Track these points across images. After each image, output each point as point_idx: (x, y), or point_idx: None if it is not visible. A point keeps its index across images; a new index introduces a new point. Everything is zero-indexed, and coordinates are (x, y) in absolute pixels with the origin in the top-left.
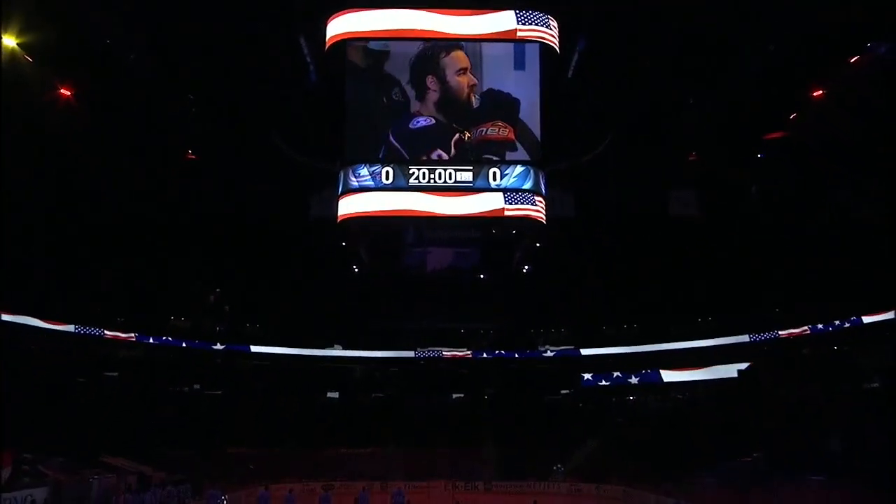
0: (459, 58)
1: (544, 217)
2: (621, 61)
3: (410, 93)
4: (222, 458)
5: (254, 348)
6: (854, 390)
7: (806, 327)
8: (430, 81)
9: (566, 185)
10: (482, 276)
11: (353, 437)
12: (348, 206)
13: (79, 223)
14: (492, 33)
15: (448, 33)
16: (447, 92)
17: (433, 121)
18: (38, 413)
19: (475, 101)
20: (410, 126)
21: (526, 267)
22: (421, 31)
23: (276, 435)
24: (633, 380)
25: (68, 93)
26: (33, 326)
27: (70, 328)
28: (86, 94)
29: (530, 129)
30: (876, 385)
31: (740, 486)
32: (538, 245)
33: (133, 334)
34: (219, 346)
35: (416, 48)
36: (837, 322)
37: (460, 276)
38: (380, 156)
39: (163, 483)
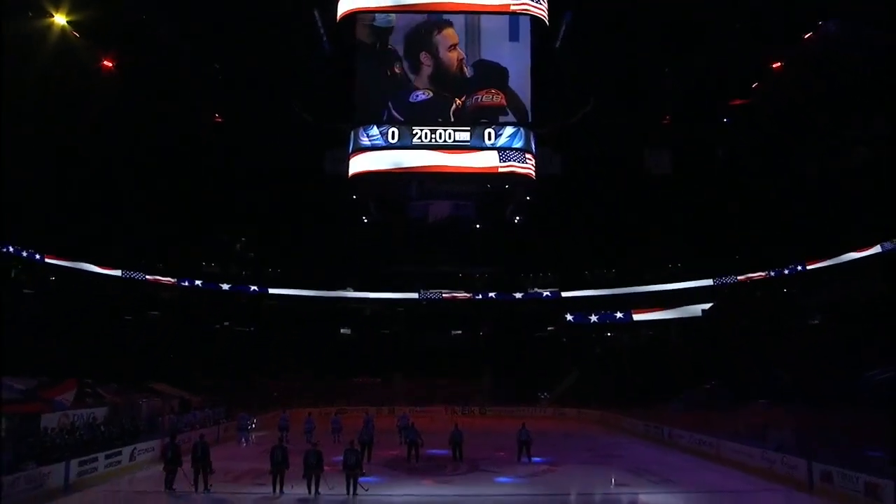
0: (450, 35)
1: (534, 173)
2: (604, 33)
3: (406, 65)
4: (251, 385)
5: (276, 290)
6: (798, 326)
7: (760, 272)
8: (424, 57)
9: (554, 145)
10: (478, 226)
11: (363, 368)
12: (359, 162)
13: (123, 183)
14: (487, 5)
15: (447, 3)
16: (440, 66)
17: (431, 94)
18: (96, 345)
19: (468, 72)
20: (410, 100)
21: (517, 218)
22: (424, 4)
23: (296, 366)
24: (611, 318)
25: (110, 64)
26: (89, 272)
27: (118, 273)
28: (126, 65)
29: (519, 96)
30: (816, 322)
31: (700, 409)
32: (528, 198)
33: (171, 278)
34: (245, 289)
35: (412, 23)
36: (787, 270)
37: (459, 226)
38: (383, 119)
39: (201, 406)
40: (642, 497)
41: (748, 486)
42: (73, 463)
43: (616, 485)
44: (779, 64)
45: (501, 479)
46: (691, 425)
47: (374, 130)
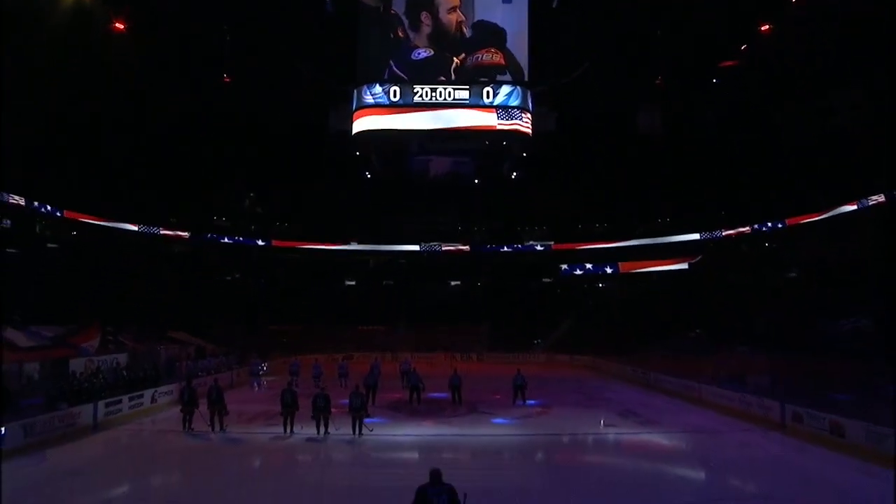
0: None
1: (530, 130)
2: None
3: (406, 23)
4: (262, 333)
5: (283, 244)
6: (778, 279)
7: (744, 228)
8: (424, 17)
9: (550, 103)
10: (476, 181)
11: (367, 316)
12: (362, 120)
13: (137, 144)
14: None
15: None
16: (439, 27)
17: (432, 52)
18: (116, 296)
19: (467, 33)
20: (413, 57)
21: (514, 173)
22: None
23: (304, 315)
24: (602, 270)
25: (122, 26)
26: (108, 227)
27: (134, 227)
28: (137, 28)
29: (516, 57)
30: (794, 275)
31: (684, 355)
32: (525, 154)
33: (184, 232)
34: (254, 242)
35: None
36: (769, 225)
37: (458, 181)
38: (385, 78)
39: (215, 353)
40: (629, 437)
41: (726, 427)
42: (101, 404)
43: (605, 425)
44: (767, 27)
45: (498, 420)
46: (675, 370)
47: (377, 88)
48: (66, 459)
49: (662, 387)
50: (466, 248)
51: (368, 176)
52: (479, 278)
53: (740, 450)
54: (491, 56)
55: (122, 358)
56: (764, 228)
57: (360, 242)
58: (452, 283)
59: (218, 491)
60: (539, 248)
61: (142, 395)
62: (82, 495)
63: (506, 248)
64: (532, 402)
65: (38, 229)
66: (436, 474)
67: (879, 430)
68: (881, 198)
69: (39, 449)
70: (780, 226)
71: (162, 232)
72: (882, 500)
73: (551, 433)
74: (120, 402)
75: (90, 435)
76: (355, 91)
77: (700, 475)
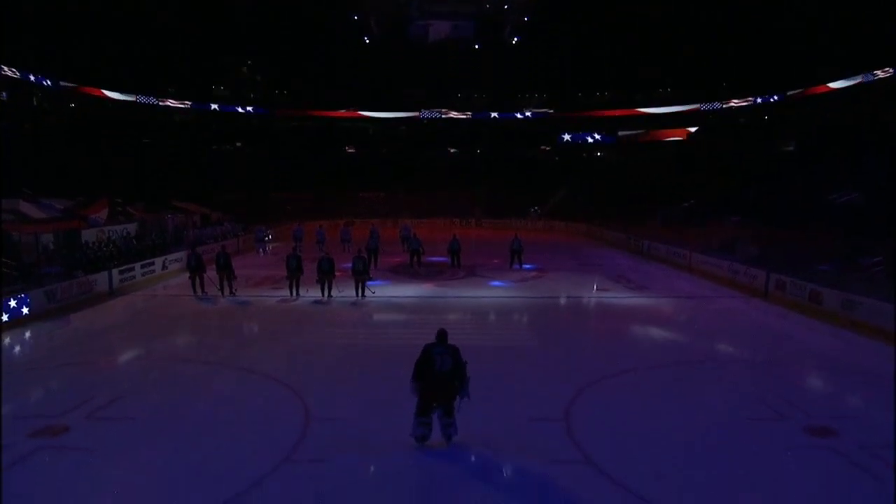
0: None
1: None
2: None
3: None
4: (265, 201)
5: (283, 111)
6: (776, 151)
7: (744, 100)
8: None
9: None
10: (477, 47)
11: (368, 183)
12: None
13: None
14: None
15: None
16: None
17: None
18: (121, 167)
19: None
20: None
21: (515, 39)
22: None
23: (306, 182)
24: (601, 139)
25: None
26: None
27: (133, 98)
28: None
29: None
30: (791, 148)
31: (678, 224)
32: (526, 19)
33: (183, 102)
34: (255, 110)
35: None
36: (775, 97)
37: (458, 47)
38: None
39: (220, 221)
40: (619, 300)
41: (713, 293)
42: (115, 272)
43: (597, 289)
44: None
45: (495, 283)
46: (668, 239)
47: None
48: (88, 322)
49: (655, 254)
50: (466, 115)
51: (367, 41)
52: (479, 145)
53: (724, 315)
54: None
55: (132, 227)
56: (763, 100)
57: (359, 109)
58: (452, 150)
59: (232, 349)
60: (539, 115)
61: (153, 263)
62: (109, 353)
63: (505, 116)
64: (528, 266)
65: (35, 101)
66: (442, 334)
67: (852, 298)
68: (888, 71)
69: (63, 313)
70: (776, 98)
71: (162, 102)
72: (846, 360)
73: (546, 296)
74: (133, 269)
75: (107, 300)
76: None
77: (685, 337)
